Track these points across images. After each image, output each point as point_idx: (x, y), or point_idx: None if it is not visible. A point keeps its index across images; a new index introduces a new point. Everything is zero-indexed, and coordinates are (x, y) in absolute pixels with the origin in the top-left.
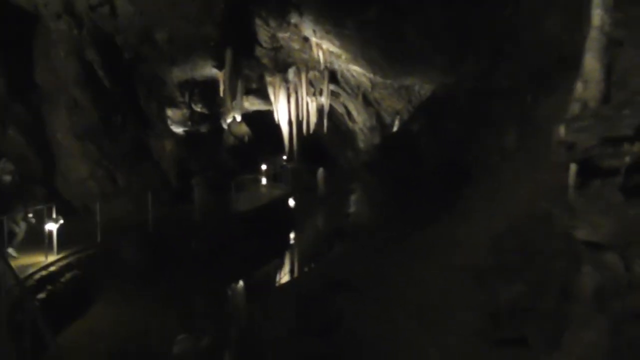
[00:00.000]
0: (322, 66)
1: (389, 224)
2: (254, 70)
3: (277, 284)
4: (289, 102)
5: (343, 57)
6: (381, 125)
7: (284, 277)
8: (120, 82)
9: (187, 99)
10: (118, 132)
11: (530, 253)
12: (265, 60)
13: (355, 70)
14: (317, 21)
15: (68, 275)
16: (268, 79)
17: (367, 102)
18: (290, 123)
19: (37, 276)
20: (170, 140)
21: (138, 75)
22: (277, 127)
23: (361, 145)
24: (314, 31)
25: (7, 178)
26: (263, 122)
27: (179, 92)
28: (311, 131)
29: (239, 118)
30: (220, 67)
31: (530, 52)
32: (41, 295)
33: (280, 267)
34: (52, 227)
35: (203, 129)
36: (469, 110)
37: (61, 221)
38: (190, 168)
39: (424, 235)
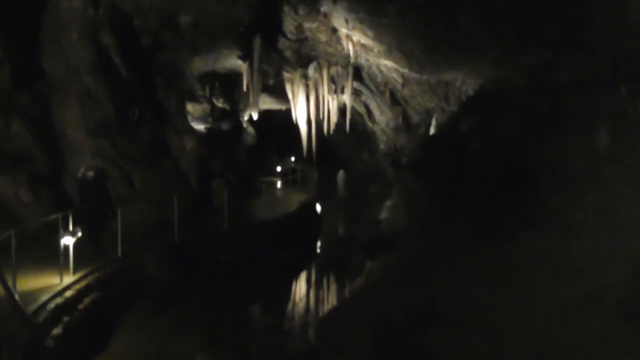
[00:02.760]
0: (352, 60)
1: (436, 234)
2: (272, 65)
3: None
4: (308, 100)
5: (375, 49)
6: (407, 126)
7: (327, 295)
8: (138, 72)
9: (207, 93)
10: (134, 128)
11: None
12: (288, 53)
13: (385, 65)
14: (352, 8)
15: (87, 301)
16: (286, 75)
17: (393, 100)
18: (309, 122)
19: (51, 305)
20: (191, 138)
21: (156, 64)
22: (291, 127)
23: (382, 146)
24: (346, 20)
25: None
26: (268, 121)
27: (199, 85)
28: (331, 131)
29: (255, 116)
30: (245, 57)
31: (611, 38)
32: (56, 331)
33: (319, 281)
34: (68, 241)
35: (224, 126)
36: (529, 106)
37: (79, 234)
38: (209, 169)
39: (509, 252)
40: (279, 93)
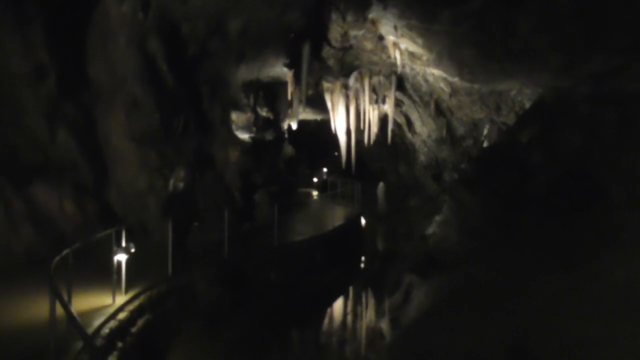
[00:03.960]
0: (398, 69)
1: (495, 254)
2: (313, 74)
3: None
4: (347, 110)
5: (424, 57)
6: (452, 138)
7: (384, 318)
8: (184, 81)
9: (252, 102)
10: (180, 138)
11: None
12: (331, 62)
13: (432, 74)
14: (403, 15)
15: (140, 323)
16: (326, 84)
17: (438, 111)
18: (348, 133)
19: (105, 330)
20: (236, 148)
21: (202, 73)
22: (323, 138)
23: (422, 159)
24: (395, 27)
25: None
26: (299, 132)
27: (243, 94)
28: (371, 142)
29: (294, 126)
30: (291, 65)
31: None
32: None
33: (373, 302)
34: (121, 257)
35: (268, 136)
36: (594, 117)
37: (133, 249)
38: (252, 181)
39: (588, 277)
40: (317, 103)
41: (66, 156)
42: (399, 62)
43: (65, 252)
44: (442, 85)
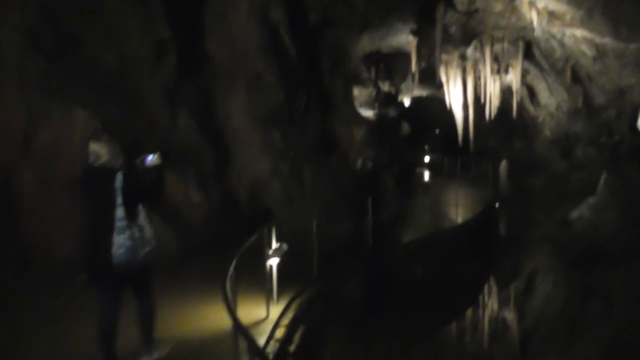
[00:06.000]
0: (534, 32)
1: None
2: (428, 45)
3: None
4: (464, 83)
5: (568, 17)
6: (588, 108)
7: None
8: (305, 53)
9: (373, 75)
10: (303, 116)
11: None
12: (453, 29)
13: (573, 36)
14: None
15: (296, 338)
16: (443, 56)
17: (574, 79)
18: (466, 107)
19: (267, 351)
20: (360, 127)
21: (323, 44)
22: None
23: (547, 133)
24: None
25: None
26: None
27: (364, 66)
28: (492, 116)
29: (407, 102)
30: (418, 32)
31: None
32: None
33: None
34: (274, 261)
35: (391, 112)
36: None
37: (285, 247)
38: (377, 161)
39: None
40: (428, 78)
41: (188, 141)
42: (535, 23)
43: (235, 259)
44: (584, 48)
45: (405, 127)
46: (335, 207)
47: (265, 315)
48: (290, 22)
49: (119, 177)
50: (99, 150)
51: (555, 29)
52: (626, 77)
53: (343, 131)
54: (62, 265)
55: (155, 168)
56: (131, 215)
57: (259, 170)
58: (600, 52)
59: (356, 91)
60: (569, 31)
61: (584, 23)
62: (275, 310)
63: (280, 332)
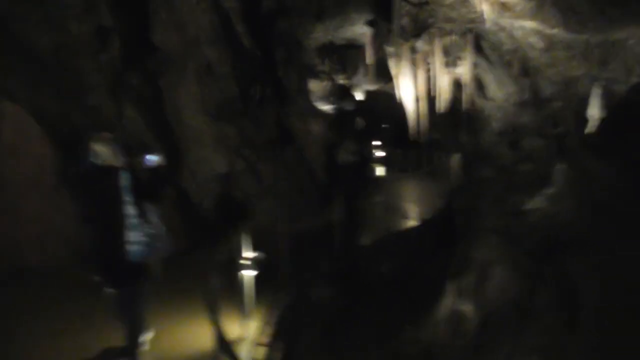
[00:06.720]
0: (484, 23)
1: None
2: (378, 39)
3: None
4: (415, 76)
5: (518, 8)
6: (535, 99)
7: None
8: (258, 42)
9: (327, 67)
10: (257, 110)
11: None
12: (404, 21)
13: (522, 28)
14: None
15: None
16: (389, 49)
17: (522, 71)
18: (417, 101)
19: None
20: (317, 121)
21: (276, 33)
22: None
23: (494, 125)
24: None
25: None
26: None
27: (318, 58)
28: (442, 109)
29: (360, 96)
30: (373, 23)
31: None
32: None
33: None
34: (249, 273)
35: (347, 106)
36: None
37: (261, 257)
38: (336, 157)
39: None
40: (379, 70)
41: (134, 136)
42: (486, 15)
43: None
44: (532, 40)
45: (359, 122)
46: (296, 204)
47: (243, 335)
48: (243, 9)
49: (125, 176)
50: (100, 149)
51: (505, 21)
52: (574, 69)
53: (299, 125)
54: None
55: (155, 168)
56: (142, 212)
57: (212, 167)
58: (549, 44)
59: (311, 84)
60: (518, 23)
61: (534, 15)
62: (253, 327)
63: (260, 353)
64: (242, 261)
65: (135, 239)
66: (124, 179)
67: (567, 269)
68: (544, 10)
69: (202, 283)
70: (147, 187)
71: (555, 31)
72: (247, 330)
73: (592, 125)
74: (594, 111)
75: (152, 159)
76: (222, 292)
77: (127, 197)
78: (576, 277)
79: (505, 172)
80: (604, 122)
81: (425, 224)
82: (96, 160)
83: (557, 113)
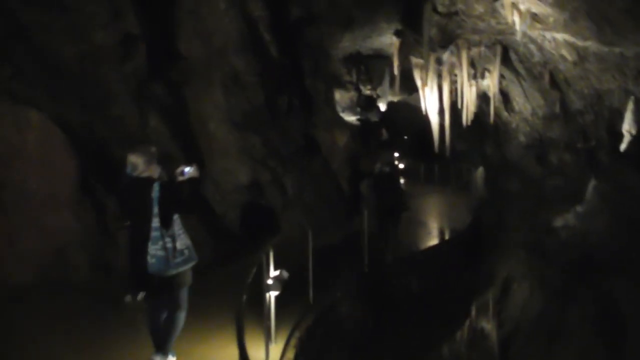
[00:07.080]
0: (517, 35)
1: None
2: (404, 49)
3: None
4: (440, 88)
5: (550, 19)
6: (565, 113)
7: None
8: (285, 51)
9: (354, 77)
10: (284, 121)
11: None
12: (433, 32)
13: (553, 40)
14: None
15: None
16: (415, 60)
17: (551, 84)
18: (442, 113)
19: None
20: (343, 132)
21: (304, 42)
22: (400, 120)
23: (521, 138)
24: None
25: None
26: None
27: (344, 69)
28: (469, 122)
29: (383, 107)
30: (400, 33)
31: None
32: None
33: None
34: (274, 292)
35: (373, 117)
36: None
37: (286, 276)
38: (360, 168)
39: None
40: (405, 81)
41: (158, 147)
42: (517, 26)
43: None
44: (564, 52)
45: (383, 133)
46: (322, 216)
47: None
48: (270, 19)
49: (156, 188)
50: (135, 161)
51: (536, 33)
52: (606, 82)
53: (325, 135)
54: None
55: (192, 179)
56: (166, 225)
57: (237, 178)
58: (581, 57)
59: (337, 95)
60: (549, 35)
61: (567, 26)
62: (276, 351)
63: None
64: (267, 281)
65: (152, 252)
66: (155, 191)
67: (605, 290)
68: (577, 21)
69: (226, 299)
70: (182, 199)
71: (588, 43)
72: (271, 351)
73: (627, 140)
74: (630, 125)
75: (188, 170)
76: (246, 310)
77: (155, 209)
78: (618, 299)
79: (533, 187)
80: (638, 136)
81: (452, 239)
82: (133, 172)
83: (588, 127)
